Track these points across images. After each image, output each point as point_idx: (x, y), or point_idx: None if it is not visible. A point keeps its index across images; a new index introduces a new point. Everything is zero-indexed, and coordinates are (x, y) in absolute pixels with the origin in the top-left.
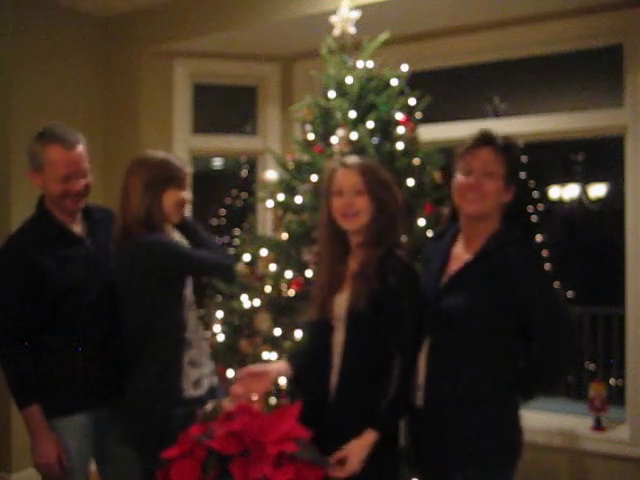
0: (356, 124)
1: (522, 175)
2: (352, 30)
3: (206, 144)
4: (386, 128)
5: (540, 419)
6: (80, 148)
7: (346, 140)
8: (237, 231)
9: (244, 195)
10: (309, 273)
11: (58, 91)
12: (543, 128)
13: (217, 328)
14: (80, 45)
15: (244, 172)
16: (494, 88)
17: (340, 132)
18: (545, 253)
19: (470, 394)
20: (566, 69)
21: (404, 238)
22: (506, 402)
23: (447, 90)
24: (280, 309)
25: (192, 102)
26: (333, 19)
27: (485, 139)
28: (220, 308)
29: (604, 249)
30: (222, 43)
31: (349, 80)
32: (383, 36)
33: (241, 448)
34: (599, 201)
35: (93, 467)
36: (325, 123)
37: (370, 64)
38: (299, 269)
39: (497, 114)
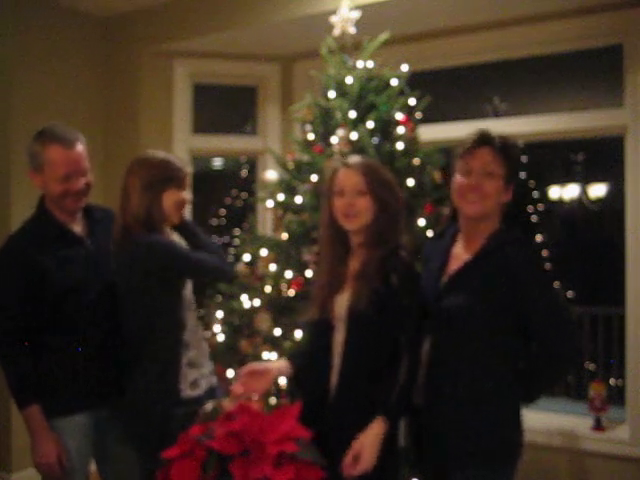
0: (356, 124)
1: (522, 175)
2: (352, 30)
3: (206, 144)
4: (386, 128)
5: (540, 419)
6: (80, 147)
7: (346, 140)
8: (237, 231)
9: (244, 195)
10: (309, 273)
11: (58, 91)
12: (543, 128)
13: (217, 328)
14: (80, 45)
15: (244, 172)
16: (494, 88)
17: (340, 132)
18: (545, 253)
19: (470, 394)
20: (566, 69)
21: (405, 238)
22: (506, 402)
23: (447, 90)
24: (280, 309)
25: (192, 102)
26: (333, 19)
27: (484, 139)
28: (220, 308)
29: (604, 249)
30: (222, 43)
31: (349, 80)
32: (383, 36)
33: (241, 448)
34: (599, 201)
35: (93, 467)
36: (325, 123)
37: (370, 64)
38: (299, 269)
39: (497, 114)
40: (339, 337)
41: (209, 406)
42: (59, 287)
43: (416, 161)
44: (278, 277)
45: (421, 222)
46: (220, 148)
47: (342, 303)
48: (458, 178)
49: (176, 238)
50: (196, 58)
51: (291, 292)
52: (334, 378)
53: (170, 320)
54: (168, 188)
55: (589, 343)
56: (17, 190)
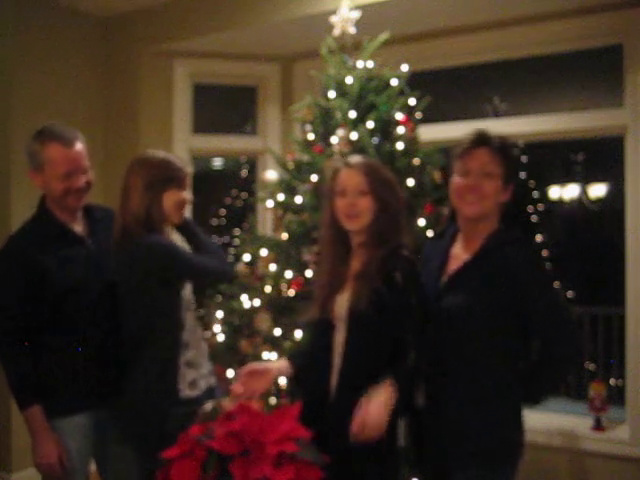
0: (356, 124)
1: (522, 175)
2: (352, 30)
3: (206, 144)
4: (386, 128)
5: (540, 419)
6: (79, 145)
7: (346, 140)
8: (237, 231)
9: (244, 195)
10: (309, 273)
11: (58, 91)
12: (543, 128)
13: (217, 328)
14: (80, 45)
15: (244, 172)
16: (494, 88)
17: (340, 132)
18: (545, 253)
19: (470, 394)
20: (566, 69)
21: (407, 238)
22: (506, 402)
23: (447, 90)
24: (280, 309)
25: (192, 102)
26: (333, 19)
27: (481, 140)
28: (220, 308)
29: (604, 249)
30: (222, 43)
31: (349, 80)
32: (383, 36)
33: (241, 448)
34: (599, 201)
35: (93, 467)
36: (325, 123)
37: (370, 64)
38: (299, 269)
39: (497, 114)
40: (339, 337)
41: (209, 406)
42: (59, 287)
43: (416, 161)
44: (278, 277)
45: (421, 222)
46: (220, 148)
47: (343, 303)
48: (456, 179)
49: (176, 238)
50: (196, 58)
51: (291, 292)
52: (334, 378)
53: (169, 320)
54: (168, 188)
55: (589, 343)
56: (17, 190)
